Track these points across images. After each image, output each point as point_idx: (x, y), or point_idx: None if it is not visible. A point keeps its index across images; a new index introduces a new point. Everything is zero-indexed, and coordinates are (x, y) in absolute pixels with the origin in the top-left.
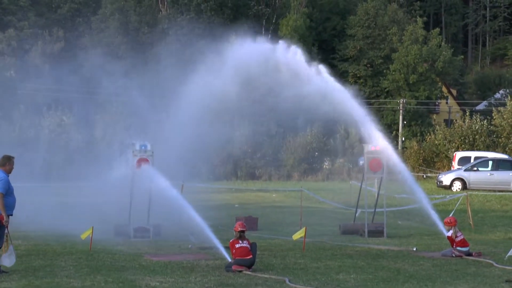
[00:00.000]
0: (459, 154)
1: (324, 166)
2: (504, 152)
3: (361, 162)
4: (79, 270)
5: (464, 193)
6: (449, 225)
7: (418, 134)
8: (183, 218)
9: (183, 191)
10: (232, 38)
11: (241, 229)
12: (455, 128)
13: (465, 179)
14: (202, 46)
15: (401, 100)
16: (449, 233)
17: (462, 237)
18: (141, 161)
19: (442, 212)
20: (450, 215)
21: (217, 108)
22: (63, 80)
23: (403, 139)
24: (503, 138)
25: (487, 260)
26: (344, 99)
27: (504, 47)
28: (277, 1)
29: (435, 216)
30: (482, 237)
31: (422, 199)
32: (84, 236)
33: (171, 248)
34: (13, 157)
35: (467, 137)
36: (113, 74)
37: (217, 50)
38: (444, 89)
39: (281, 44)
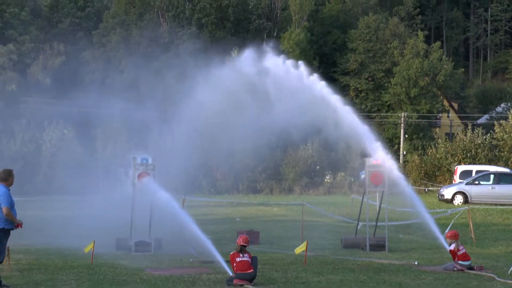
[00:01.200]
0: (460, 168)
1: (326, 180)
2: (506, 165)
3: (362, 176)
4: (80, 284)
5: (466, 207)
6: (451, 238)
7: (420, 148)
8: (184, 231)
9: (184, 205)
10: (234, 52)
11: (243, 243)
12: (457, 141)
13: (466, 192)
14: (204, 59)
15: (403, 114)
16: (451, 247)
17: (464, 250)
18: (142, 174)
19: (444, 226)
20: (448, 229)
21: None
22: (64, 94)
23: (405, 152)
24: (505, 152)
25: (489, 274)
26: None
27: (505, 61)
28: (278, 15)
29: (436, 230)
30: (483, 251)
31: (423, 213)
32: (87, 249)
33: (173, 262)
34: (13, 170)
35: (469, 151)
36: (114, 88)
37: (218, 64)
38: (445, 102)
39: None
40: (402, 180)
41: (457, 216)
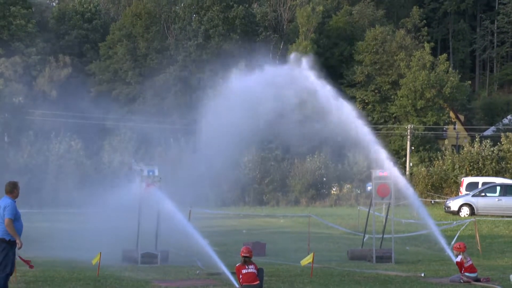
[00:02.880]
0: (466, 180)
1: (332, 192)
2: None
3: (369, 188)
4: None
5: (472, 218)
6: (458, 250)
7: (426, 160)
8: (190, 243)
9: (190, 217)
10: (241, 64)
11: (245, 254)
12: (464, 153)
13: (473, 204)
14: (210, 72)
15: (409, 126)
16: (458, 259)
17: (471, 262)
18: (149, 186)
19: (450, 238)
20: (454, 241)
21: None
22: (70, 106)
23: (411, 164)
24: (511, 164)
25: (496, 286)
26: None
27: (511, 73)
28: (285, 27)
29: (443, 242)
30: (490, 263)
31: (430, 225)
32: (94, 261)
33: (179, 274)
34: (18, 182)
35: (476, 163)
36: (121, 100)
37: (224, 76)
38: (451, 114)
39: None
40: (410, 190)
41: (463, 227)
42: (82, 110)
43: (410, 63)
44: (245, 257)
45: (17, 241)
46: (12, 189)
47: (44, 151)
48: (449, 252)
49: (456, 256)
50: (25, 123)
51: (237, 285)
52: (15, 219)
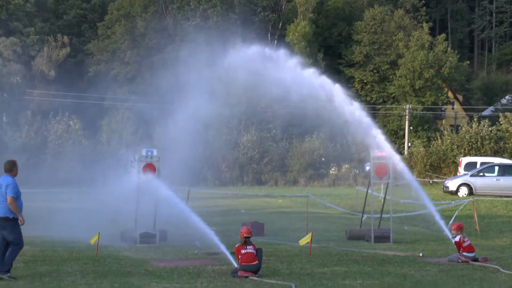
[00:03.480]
0: (465, 160)
1: (331, 172)
2: (510, 157)
3: (367, 168)
4: (85, 276)
5: (470, 198)
6: (456, 230)
7: (425, 140)
8: (189, 224)
9: (189, 197)
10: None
11: (247, 235)
12: (463, 133)
13: (471, 184)
14: (209, 51)
15: (407, 106)
16: (457, 238)
17: (469, 242)
18: (147, 167)
19: (448, 218)
20: (451, 221)
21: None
22: (69, 86)
23: (410, 144)
24: (510, 144)
25: (494, 266)
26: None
27: (510, 53)
28: (283, 7)
29: (441, 222)
30: (488, 243)
31: (428, 204)
32: (93, 241)
33: (177, 254)
34: (16, 161)
35: (474, 143)
36: (119, 80)
37: (223, 56)
38: (450, 94)
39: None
40: (407, 171)
41: (461, 207)
42: (81, 90)
43: (409, 43)
44: (246, 237)
45: (20, 218)
46: (12, 168)
47: (43, 131)
48: (447, 231)
49: (454, 236)
50: (24, 103)
51: (236, 265)
52: (17, 197)
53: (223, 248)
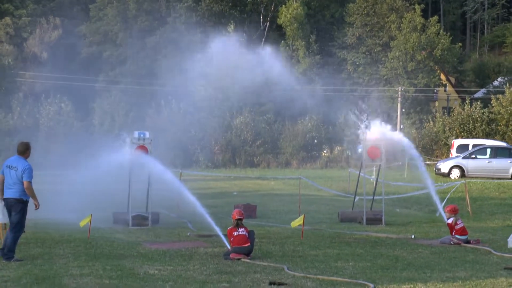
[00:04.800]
0: (457, 142)
1: (323, 154)
2: (502, 139)
3: (359, 149)
4: (77, 258)
5: (463, 180)
6: (450, 213)
7: (417, 122)
8: (181, 205)
9: (181, 179)
10: (230, 26)
11: (239, 217)
12: (454, 115)
13: (463, 166)
14: (201, 34)
15: (400, 88)
16: (450, 221)
17: (462, 225)
18: (139, 149)
19: (441, 200)
20: (443, 203)
21: (216, 96)
22: (61, 68)
23: (402, 126)
24: (502, 126)
25: (486, 248)
26: None
27: (502, 35)
28: None
29: (438, 203)
30: (480, 225)
31: (430, 186)
32: (82, 223)
33: (170, 236)
34: (30, 143)
35: (466, 125)
36: (111, 62)
37: (215, 39)
38: (442, 76)
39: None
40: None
41: (453, 189)
42: (73, 72)
43: (401, 25)
44: (238, 219)
45: (35, 202)
46: (25, 150)
47: (35, 113)
48: (442, 213)
49: (448, 218)
50: (15, 84)
51: (229, 247)
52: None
53: (217, 229)
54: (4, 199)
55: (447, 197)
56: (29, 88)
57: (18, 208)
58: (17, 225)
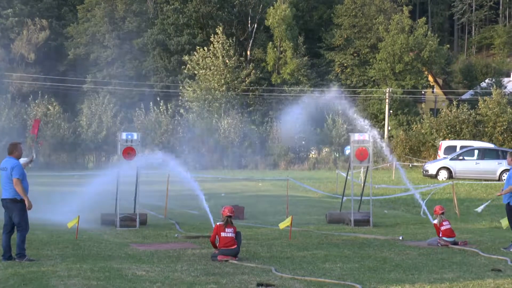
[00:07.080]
0: (445, 143)
1: (311, 155)
2: (490, 141)
3: (347, 151)
4: (65, 259)
5: (450, 182)
6: (435, 213)
7: (405, 123)
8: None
9: (169, 181)
10: (219, 28)
11: (229, 214)
12: (442, 117)
13: (451, 168)
14: (188, 35)
15: (387, 89)
16: (435, 221)
17: (449, 226)
18: (127, 150)
19: (429, 201)
20: (424, 202)
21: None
22: (48, 69)
23: (390, 128)
24: (489, 128)
25: (473, 249)
26: None
27: (490, 36)
28: None
29: (422, 203)
30: (468, 226)
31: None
32: (70, 225)
33: (158, 237)
34: (19, 143)
35: (453, 127)
36: (99, 63)
37: (203, 39)
38: (430, 78)
39: None
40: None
41: (433, 191)
42: (60, 73)
43: (389, 26)
44: (228, 216)
45: (26, 201)
46: (13, 150)
47: (22, 114)
48: (427, 211)
49: (434, 218)
50: (3, 86)
51: (215, 250)
52: (22, 179)
53: (208, 211)
54: (2, 200)
55: (428, 198)
56: (17, 89)
57: (15, 208)
58: (20, 225)
